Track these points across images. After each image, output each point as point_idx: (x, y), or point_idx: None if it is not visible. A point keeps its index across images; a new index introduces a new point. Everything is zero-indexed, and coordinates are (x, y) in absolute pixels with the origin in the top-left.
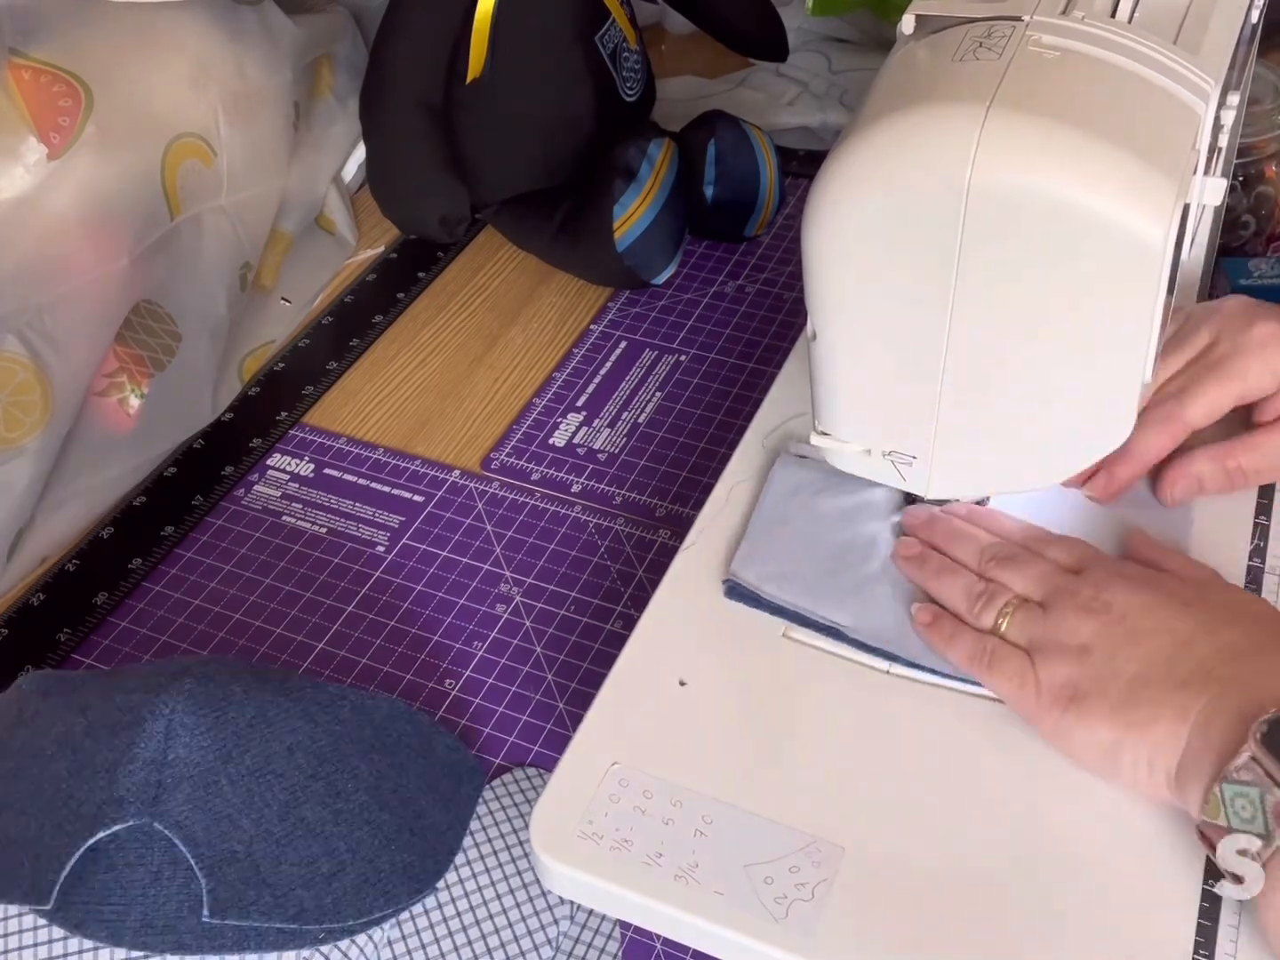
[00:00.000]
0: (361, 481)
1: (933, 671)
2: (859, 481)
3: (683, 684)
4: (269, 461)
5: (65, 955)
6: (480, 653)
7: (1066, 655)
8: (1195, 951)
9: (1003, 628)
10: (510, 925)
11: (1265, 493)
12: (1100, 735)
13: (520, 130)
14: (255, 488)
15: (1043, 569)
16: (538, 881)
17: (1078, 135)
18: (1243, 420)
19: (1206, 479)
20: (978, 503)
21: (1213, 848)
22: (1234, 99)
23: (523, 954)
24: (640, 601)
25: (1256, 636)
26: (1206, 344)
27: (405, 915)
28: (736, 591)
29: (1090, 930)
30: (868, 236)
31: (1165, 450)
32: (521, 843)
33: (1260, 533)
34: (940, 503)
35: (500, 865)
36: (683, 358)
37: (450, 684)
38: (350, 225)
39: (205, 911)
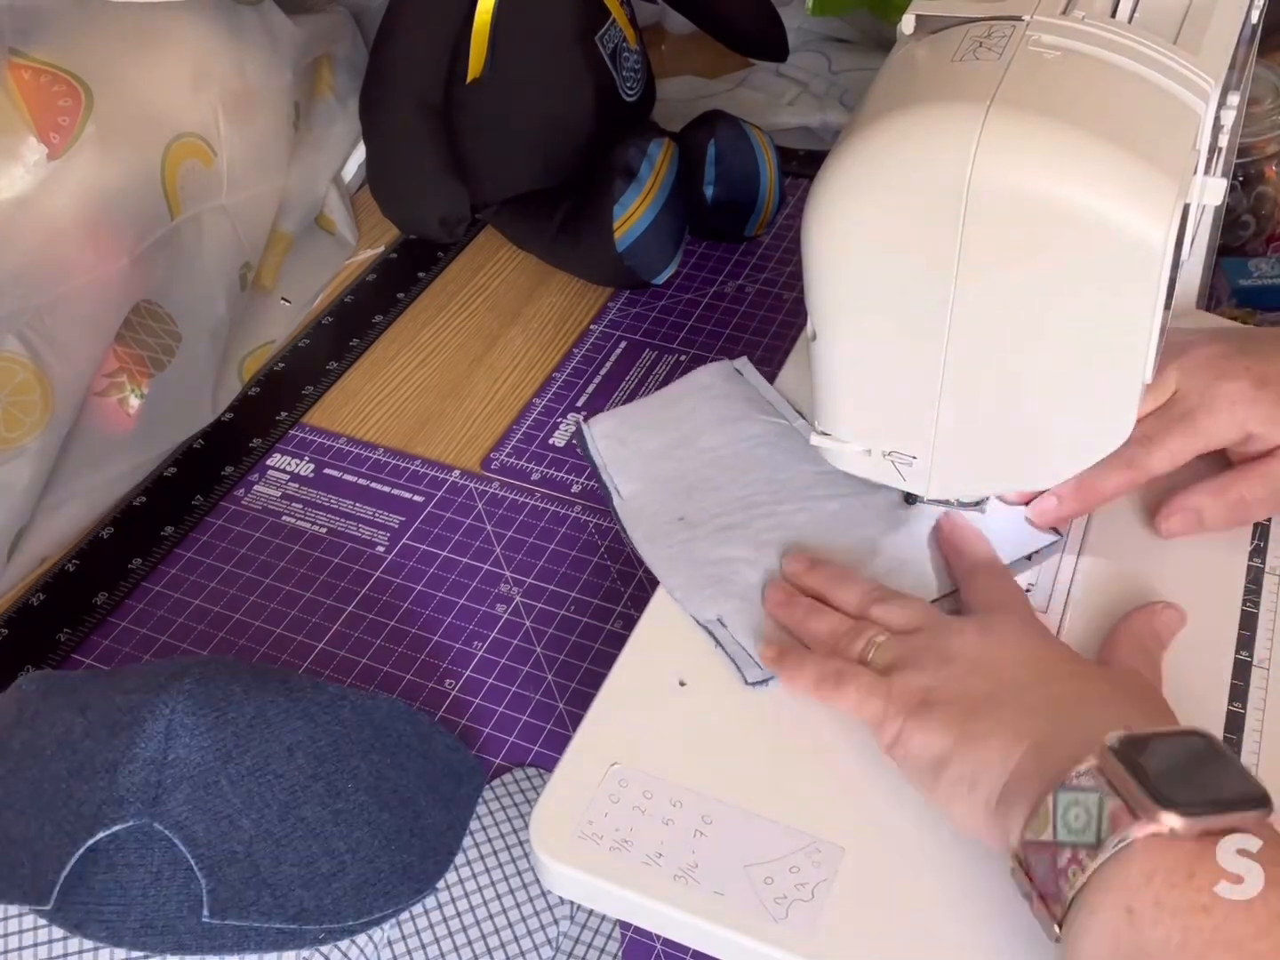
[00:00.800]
0: (361, 481)
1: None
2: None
3: (683, 684)
4: (269, 461)
5: (65, 955)
6: (480, 653)
7: (927, 666)
8: None
9: (870, 655)
10: (510, 925)
11: None
12: (933, 742)
13: (520, 130)
14: (255, 488)
15: (921, 608)
16: (538, 881)
17: (1078, 135)
18: (1209, 461)
19: (1207, 512)
20: (976, 503)
21: (1030, 877)
22: (1234, 99)
23: (523, 954)
24: (640, 601)
25: (1115, 691)
26: (1173, 392)
27: (405, 915)
28: (579, 435)
29: None
30: (868, 236)
31: (1120, 493)
32: (521, 843)
33: (1260, 533)
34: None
35: (500, 865)
36: (683, 358)
37: (450, 684)
38: (350, 225)
39: (205, 912)
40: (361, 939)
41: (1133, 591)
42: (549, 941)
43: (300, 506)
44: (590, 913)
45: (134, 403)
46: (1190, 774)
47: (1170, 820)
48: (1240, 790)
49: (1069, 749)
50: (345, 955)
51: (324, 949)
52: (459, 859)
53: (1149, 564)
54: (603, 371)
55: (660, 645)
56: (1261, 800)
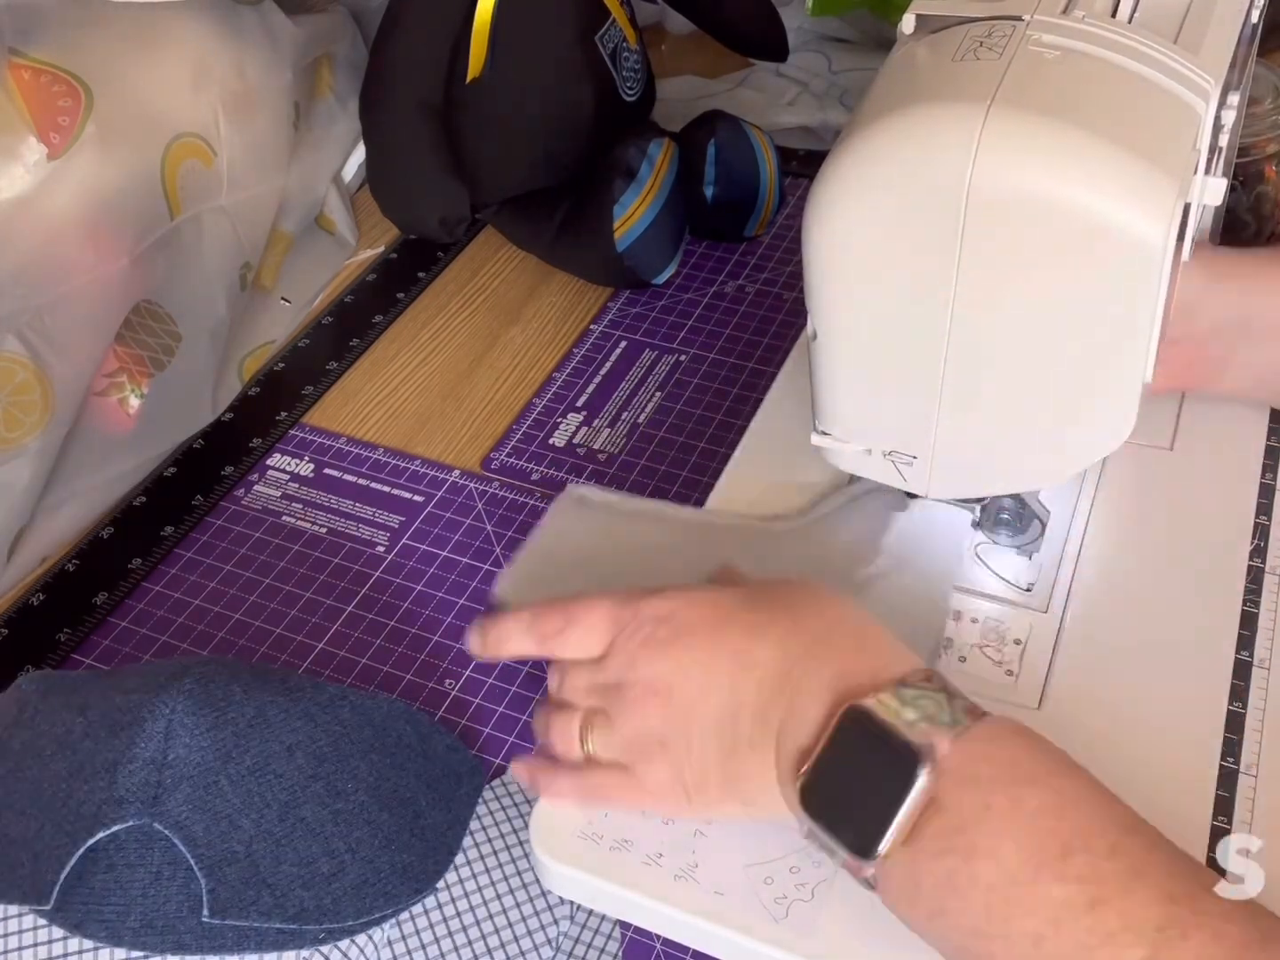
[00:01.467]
0: (361, 481)
1: None
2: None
3: None
4: (269, 461)
5: (65, 955)
6: None
7: (651, 758)
8: None
9: (591, 750)
10: (510, 925)
11: (1265, 493)
12: (729, 809)
13: (520, 130)
14: (255, 488)
15: (582, 676)
16: (538, 882)
17: (1078, 135)
18: None
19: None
20: (977, 502)
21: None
22: (1234, 99)
23: (523, 954)
24: None
25: (781, 647)
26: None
27: (405, 915)
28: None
29: None
30: (868, 236)
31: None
32: (521, 843)
33: (1260, 533)
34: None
35: (500, 865)
36: (683, 358)
37: (450, 684)
38: (350, 225)
39: (205, 912)
40: (361, 939)
41: (1133, 591)
42: (549, 941)
43: (300, 506)
44: (590, 913)
45: (134, 403)
46: (859, 791)
47: (875, 864)
48: (897, 773)
49: (786, 781)
50: (345, 955)
51: (324, 949)
52: (459, 859)
53: (1149, 563)
54: (603, 371)
55: None
56: (912, 765)
